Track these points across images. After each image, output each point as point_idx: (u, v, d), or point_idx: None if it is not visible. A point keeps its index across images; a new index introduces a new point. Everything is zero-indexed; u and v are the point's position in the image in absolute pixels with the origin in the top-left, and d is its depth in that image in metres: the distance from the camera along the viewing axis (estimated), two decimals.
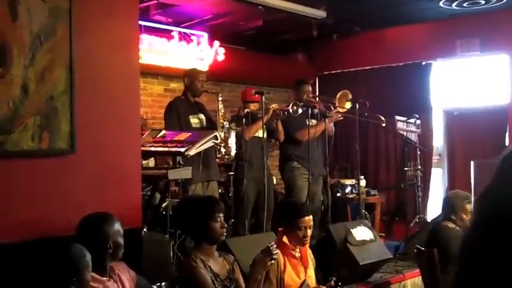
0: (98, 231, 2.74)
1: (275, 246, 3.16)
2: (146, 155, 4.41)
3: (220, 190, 5.64)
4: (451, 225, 4.15)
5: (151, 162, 5.28)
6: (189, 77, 5.21)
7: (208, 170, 5.00)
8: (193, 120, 5.10)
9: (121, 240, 2.80)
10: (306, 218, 3.61)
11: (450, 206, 4.24)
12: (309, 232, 3.61)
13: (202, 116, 5.17)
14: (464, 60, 7.65)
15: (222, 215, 3.15)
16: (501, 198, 0.94)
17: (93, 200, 3.34)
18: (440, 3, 6.55)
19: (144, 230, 3.97)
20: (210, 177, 5.09)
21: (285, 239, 3.58)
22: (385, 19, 7.40)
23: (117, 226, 2.82)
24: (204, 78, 5.28)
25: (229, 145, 4.95)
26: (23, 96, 3.08)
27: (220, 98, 5.09)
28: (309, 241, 3.67)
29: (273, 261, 3.15)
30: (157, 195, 4.81)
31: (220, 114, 5.02)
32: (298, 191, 5.70)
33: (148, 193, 4.68)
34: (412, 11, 7.00)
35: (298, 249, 3.68)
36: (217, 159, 5.22)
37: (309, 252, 3.80)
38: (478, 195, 1.02)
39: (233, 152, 5.06)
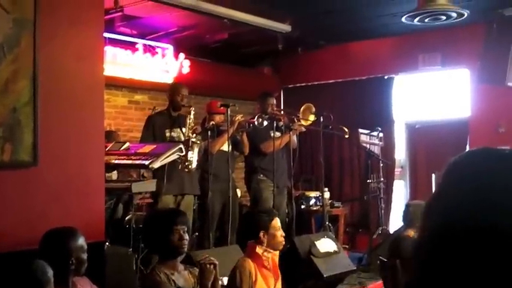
0: (61, 247, 2.71)
1: (207, 257, 3.10)
2: (109, 167, 4.35)
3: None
4: (413, 233, 4.20)
5: (114, 175, 5.22)
6: (170, 91, 5.35)
7: (180, 182, 4.98)
8: (168, 135, 5.13)
9: (84, 256, 2.77)
10: (278, 218, 3.75)
11: (412, 215, 4.30)
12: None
13: (179, 131, 5.17)
14: (425, 74, 7.81)
15: (183, 227, 3.09)
16: (451, 207, 0.94)
17: (56, 213, 3.29)
18: (403, 19, 6.67)
19: (107, 243, 3.91)
20: (183, 191, 5.07)
21: (258, 249, 3.57)
22: (349, 33, 7.52)
23: (81, 241, 2.79)
24: (186, 93, 5.32)
25: (190, 158, 4.88)
26: None
27: (192, 112, 5.11)
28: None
29: (216, 263, 3.09)
30: (120, 209, 4.75)
31: (189, 127, 5.02)
32: (264, 203, 5.72)
33: (111, 206, 4.61)
34: (375, 26, 7.13)
35: (270, 259, 3.68)
36: None
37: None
38: (426, 202, 1.02)
39: (193, 165, 4.95)
